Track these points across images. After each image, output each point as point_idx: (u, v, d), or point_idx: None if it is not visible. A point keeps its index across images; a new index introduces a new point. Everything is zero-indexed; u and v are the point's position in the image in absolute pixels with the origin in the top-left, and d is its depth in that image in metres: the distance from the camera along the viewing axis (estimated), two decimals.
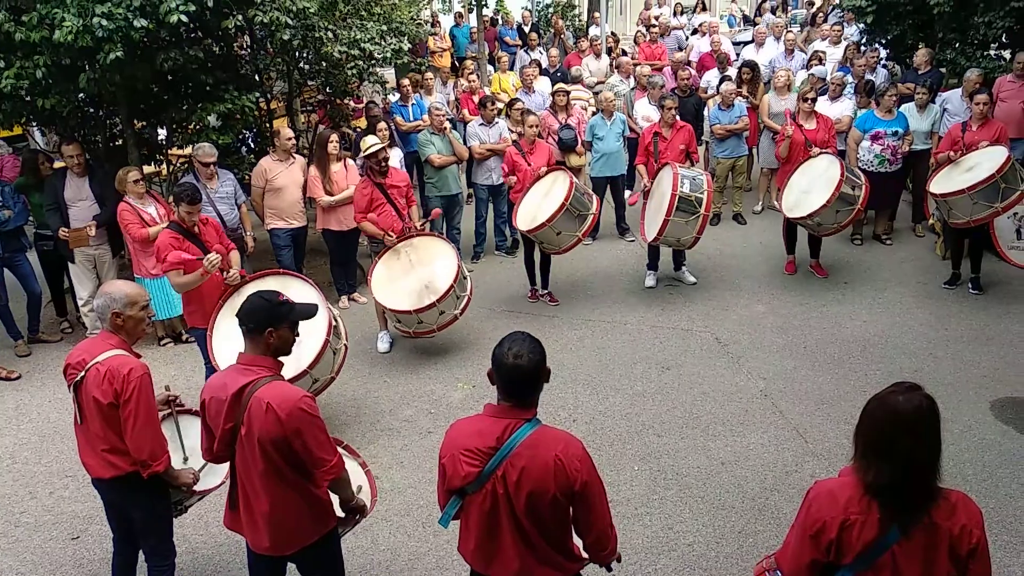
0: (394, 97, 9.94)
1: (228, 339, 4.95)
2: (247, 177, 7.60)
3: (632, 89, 9.99)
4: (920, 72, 8.85)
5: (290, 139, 7.27)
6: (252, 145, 8.79)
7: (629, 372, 6.15)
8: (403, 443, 5.41)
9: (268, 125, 8.86)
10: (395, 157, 8.08)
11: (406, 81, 9.70)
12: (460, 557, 2.91)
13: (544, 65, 11.81)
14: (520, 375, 2.63)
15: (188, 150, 7.74)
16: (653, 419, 5.50)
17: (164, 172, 9.47)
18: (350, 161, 7.54)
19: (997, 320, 6.61)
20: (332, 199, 7.18)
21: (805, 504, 2.41)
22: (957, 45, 9.43)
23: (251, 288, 4.84)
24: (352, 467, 3.52)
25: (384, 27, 8.57)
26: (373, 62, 8.58)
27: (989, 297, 7.01)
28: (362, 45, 8.01)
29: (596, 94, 10.28)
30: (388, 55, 8.47)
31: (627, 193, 9.18)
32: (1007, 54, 9.43)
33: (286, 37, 7.13)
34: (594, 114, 9.09)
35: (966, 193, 6.54)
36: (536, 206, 7.03)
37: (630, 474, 4.91)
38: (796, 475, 4.79)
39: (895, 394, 2.30)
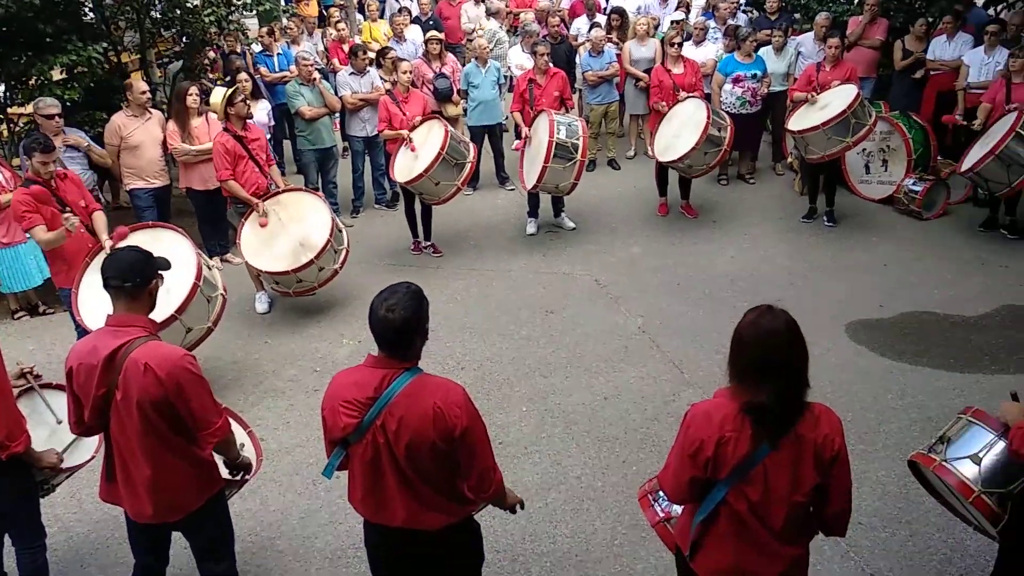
0: (258, 47, 9.46)
1: (99, 300, 4.69)
2: (99, 134, 7.08)
3: (518, 36, 9.93)
4: (773, 17, 9.22)
5: (144, 93, 6.80)
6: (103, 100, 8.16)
7: (515, 318, 6.24)
8: (288, 403, 5.30)
9: (120, 79, 8.24)
10: (262, 110, 7.74)
11: (269, 29, 9.23)
12: (353, 511, 2.90)
13: (416, 13, 11.51)
14: (388, 327, 2.59)
15: (31, 108, 7.11)
16: (539, 361, 5.62)
17: (5, 133, 8.66)
18: (212, 115, 7.14)
19: (850, 250, 7.11)
20: (188, 148, 6.77)
21: (683, 426, 2.53)
22: None
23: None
24: (234, 429, 3.41)
25: None
26: (232, 9, 8.11)
27: (842, 229, 7.52)
28: None
29: (471, 41, 10.16)
30: (249, 1, 8.02)
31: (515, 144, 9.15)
32: None
33: None
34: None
35: (821, 129, 6.94)
36: (413, 156, 6.92)
37: (519, 415, 5.02)
38: (674, 404, 5.03)
39: (758, 317, 2.43)
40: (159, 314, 3.94)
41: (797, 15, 9.94)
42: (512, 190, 8.86)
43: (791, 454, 2.40)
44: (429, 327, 2.74)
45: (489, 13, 11.30)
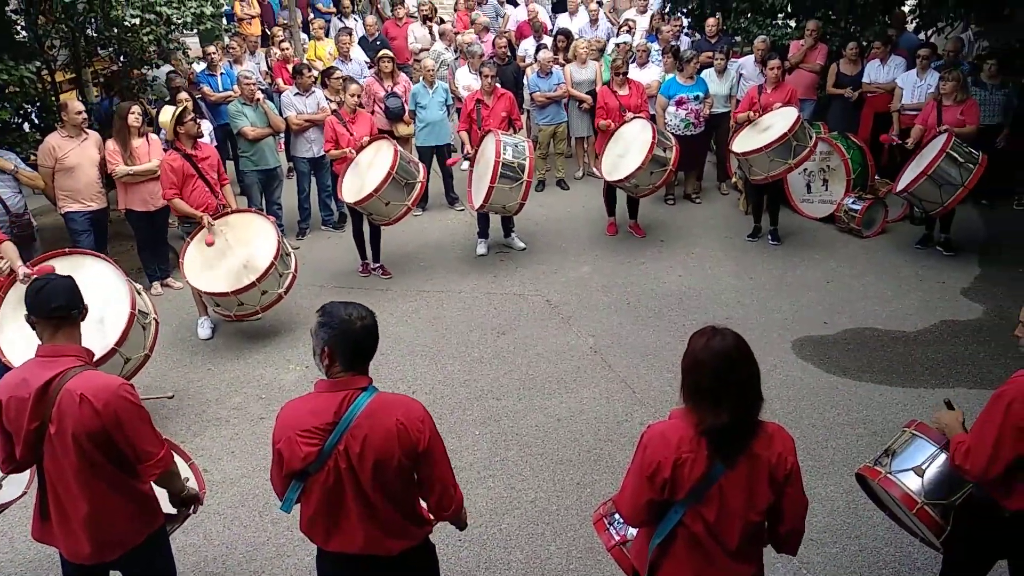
0: (200, 66, 9.28)
1: (17, 332, 4.47)
2: (32, 157, 6.82)
3: (456, 58, 9.95)
4: (712, 40, 9.44)
5: (80, 113, 6.58)
6: (37, 121, 7.89)
7: (466, 339, 6.19)
8: (233, 432, 5.14)
9: (54, 98, 7.98)
10: (204, 130, 7.57)
11: (212, 48, 9.07)
12: (301, 543, 2.82)
13: (362, 33, 11.45)
14: (367, 333, 2.60)
15: None
16: (491, 383, 5.57)
17: None
18: (153, 135, 6.95)
19: (794, 268, 7.26)
20: (128, 169, 6.57)
21: (640, 447, 2.51)
22: (749, 14, 10.17)
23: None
24: (177, 461, 3.28)
25: None
26: (172, 28, 7.94)
27: (786, 247, 7.68)
28: (158, 8, 7.39)
29: (417, 61, 10.15)
30: (189, 20, 7.87)
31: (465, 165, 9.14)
32: (793, 23, 10.30)
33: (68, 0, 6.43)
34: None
35: (763, 151, 7.10)
36: (361, 177, 6.84)
37: (472, 439, 4.96)
38: (627, 424, 5.04)
39: (708, 339, 2.43)
40: (98, 348, 3.79)
41: (737, 38, 10.20)
42: (462, 210, 8.83)
43: (746, 473, 2.41)
44: (379, 350, 2.71)
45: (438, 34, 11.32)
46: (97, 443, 2.68)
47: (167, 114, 6.22)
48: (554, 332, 6.26)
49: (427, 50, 10.59)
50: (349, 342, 2.57)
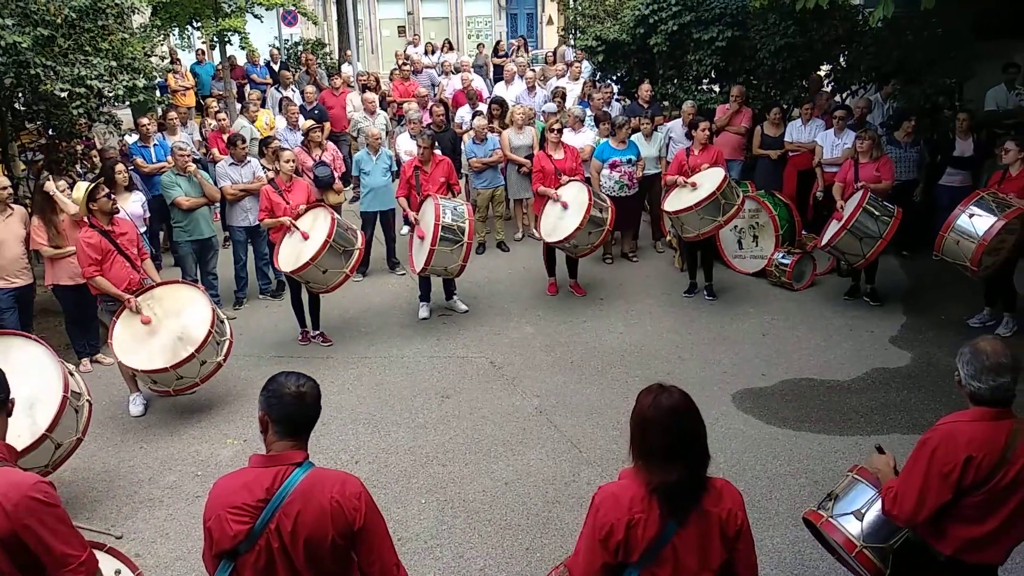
0: (132, 138, 9.18)
1: None
2: None
3: (401, 124, 10.11)
4: (644, 105, 9.81)
5: (5, 188, 6.41)
6: None
7: (409, 405, 6.10)
8: (167, 512, 4.91)
9: None
10: (136, 202, 7.47)
11: (145, 120, 9.00)
12: None
13: (299, 103, 11.54)
14: (307, 402, 2.53)
15: None
16: (436, 449, 5.49)
17: None
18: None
19: (731, 321, 7.43)
20: (53, 252, 6.45)
21: (592, 510, 2.47)
22: (675, 81, 10.63)
23: None
24: (101, 558, 3.03)
25: (114, 63, 7.90)
26: (103, 100, 7.86)
27: (722, 302, 7.87)
28: (88, 82, 7.31)
29: (360, 130, 10.26)
30: (120, 93, 7.80)
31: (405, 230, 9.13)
32: (717, 88, 10.80)
33: None
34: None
35: (694, 210, 7.32)
36: (298, 245, 6.79)
37: (417, 508, 4.85)
38: (574, 485, 5.00)
39: (656, 397, 2.44)
40: (26, 437, 3.58)
41: (666, 103, 10.62)
42: (403, 275, 8.82)
43: (698, 530, 2.39)
44: (320, 420, 2.65)
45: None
46: (8, 548, 2.43)
47: (80, 191, 6.09)
48: (499, 394, 6.23)
49: (368, 117, 10.70)
50: (281, 410, 2.51)
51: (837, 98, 10.45)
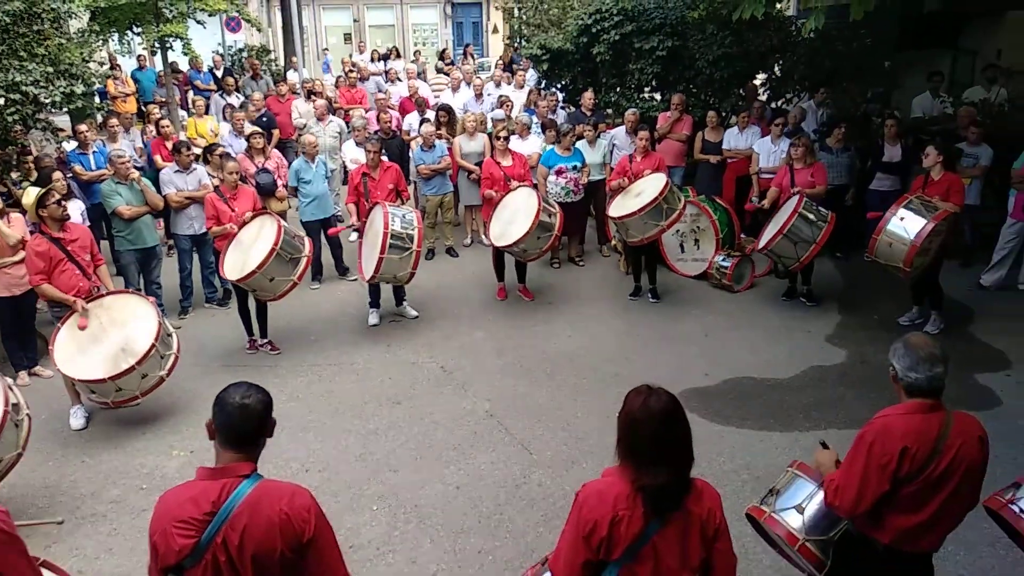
0: (70, 145, 8.96)
1: None
2: None
3: (350, 132, 10.09)
4: (588, 113, 9.99)
5: None
6: None
7: (360, 411, 6.11)
8: (111, 527, 4.83)
9: None
10: (76, 210, 7.30)
11: (84, 127, 8.79)
12: None
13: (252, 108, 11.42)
14: (248, 415, 2.51)
15: None
16: (388, 455, 5.51)
17: None
18: (15, 215, 6.62)
19: (674, 323, 7.61)
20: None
21: (576, 507, 2.49)
22: (618, 89, 10.85)
23: None
24: None
25: (51, 69, 7.72)
26: (39, 107, 7.67)
27: (665, 304, 8.06)
28: (23, 88, 7.14)
29: (300, 137, 10.19)
30: (57, 99, 7.63)
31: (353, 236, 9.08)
32: (658, 95, 11.05)
33: None
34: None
35: (637, 215, 7.49)
36: (244, 253, 6.74)
37: (369, 515, 4.86)
38: (525, 487, 5.07)
39: (646, 398, 2.49)
40: None
41: (609, 111, 10.83)
42: (354, 280, 8.79)
43: (679, 529, 2.44)
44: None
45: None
46: None
47: (29, 196, 5.96)
48: (450, 398, 6.28)
49: (313, 123, 10.64)
50: (222, 419, 2.51)
51: (772, 106, 10.80)
